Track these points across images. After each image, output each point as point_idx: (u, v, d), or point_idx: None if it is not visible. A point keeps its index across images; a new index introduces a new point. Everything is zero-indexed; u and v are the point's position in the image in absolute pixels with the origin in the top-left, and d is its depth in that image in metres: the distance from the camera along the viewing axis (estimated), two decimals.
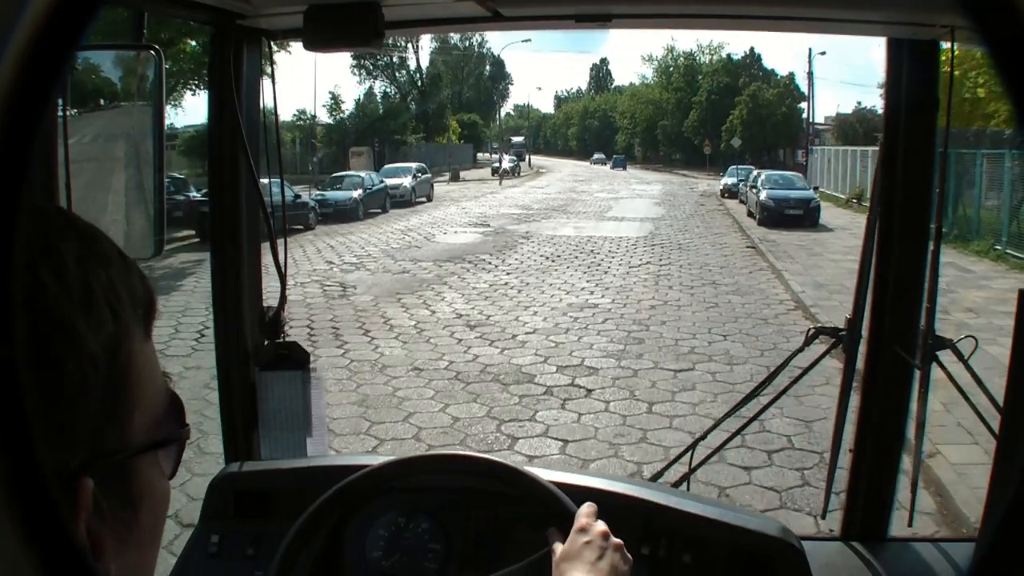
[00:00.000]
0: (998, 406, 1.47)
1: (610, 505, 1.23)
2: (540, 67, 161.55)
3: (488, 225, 22.09)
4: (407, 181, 28.53)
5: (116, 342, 0.53)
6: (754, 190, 24.01)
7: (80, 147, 1.42)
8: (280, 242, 1.71)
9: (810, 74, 44.22)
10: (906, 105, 1.62)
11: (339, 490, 1.26)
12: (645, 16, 1.66)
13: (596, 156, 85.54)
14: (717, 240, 19.28)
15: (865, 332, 1.74)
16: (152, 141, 1.51)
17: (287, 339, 1.76)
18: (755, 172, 29.51)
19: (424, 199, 30.82)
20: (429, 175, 31.79)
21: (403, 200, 27.32)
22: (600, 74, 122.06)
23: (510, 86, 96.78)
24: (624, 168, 69.64)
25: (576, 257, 16.15)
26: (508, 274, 13.88)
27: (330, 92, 55.91)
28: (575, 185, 43.54)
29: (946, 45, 1.58)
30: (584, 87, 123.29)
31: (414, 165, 31.00)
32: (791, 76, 58.72)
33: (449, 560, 1.35)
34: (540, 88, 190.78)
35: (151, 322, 0.59)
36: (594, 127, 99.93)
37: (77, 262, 0.50)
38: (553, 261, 15.54)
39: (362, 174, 26.24)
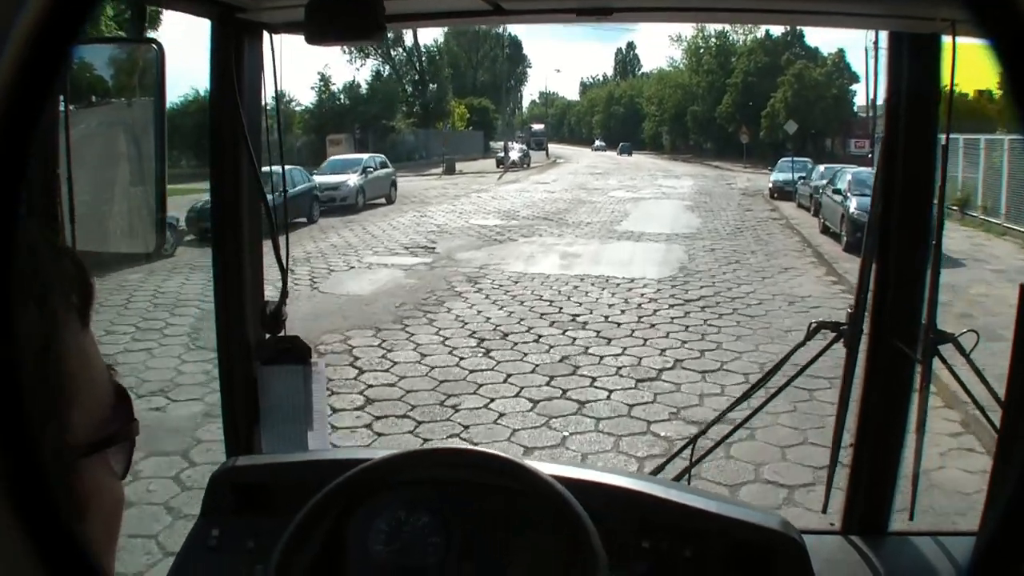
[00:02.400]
0: (999, 400, 1.57)
1: (611, 499, 1.37)
2: (564, 51, 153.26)
3: (434, 248, 16.34)
4: (352, 179, 21.24)
5: (43, 335, 0.50)
6: (835, 196, 18.10)
7: (81, 142, 1.48)
8: (281, 236, 1.83)
9: (876, 45, 35.53)
10: (907, 99, 1.71)
11: (341, 483, 1.32)
12: (645, 9, 1.75)
13: (597, 143, 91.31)
14: (792, 287, 12.65)
15: (867, 326, 1.83)
16: (153, 135, 1.56)
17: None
18: (822, 168, 24.39)
19: (383, 200, 25.97)
20: (390, 170, 28.10)
21: (345, 204, 19.52)
22: (627, 59, 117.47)
23: (528, 69, 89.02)
24: (630, 154, 74.30)
25: (539, 338, 9.27)
26: (361, 416, 6.88)
27: (319, 72, 47.62)
28: (588, 180, 36.12)
29: (947, 39, 1.63)
30: (611, 73, 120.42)
31: (366, 157, 24.65)
32: (840, 53, 50.56)
33: (449, 553, 1.40)
34: (559, 71, 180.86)
35: (88, 309, 0.57)
36: (619, 114, 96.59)
37: None
38: (486, 354, 8.64)
39: (277, 170, 16.95)
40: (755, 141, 54.38)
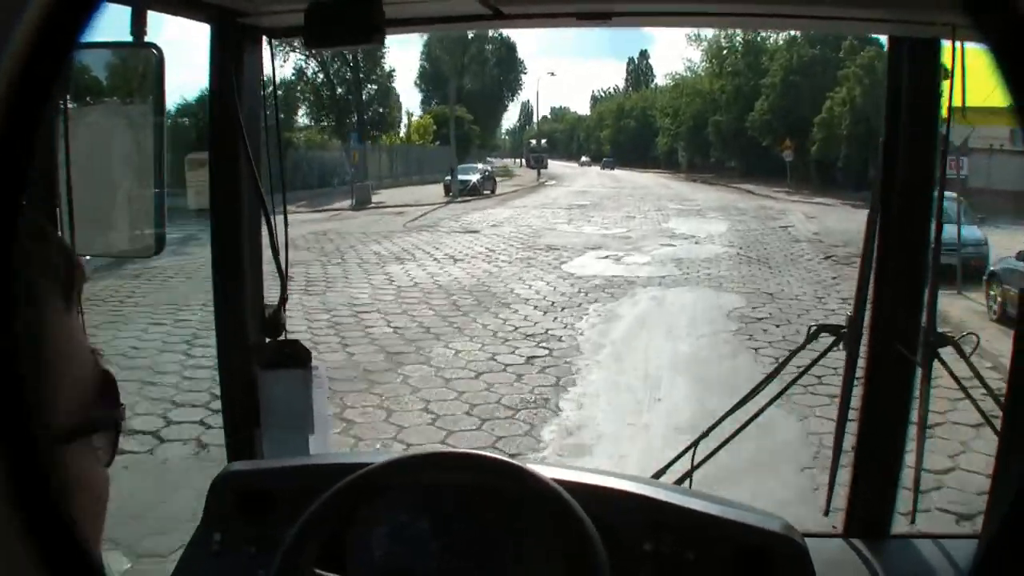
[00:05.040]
0: (1000, 403, 1.59)
1: (613, 503, 1.38)
2: (577, 66, 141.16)
3: None
4: None
5: (27, 315, 0.49)
6: None
7: (80, 145, 1.49)
8: (281, 240, 1.83)
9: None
10: (907, 103, 1.73)
11: (342, 488, 1.28)
12: (646, 14, 1.75)
13: (583, 159, 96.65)
14: None
15: (867, 329, 1.84)
16: (153, 139, 1.58)
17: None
18: None
19: None
20: None
21: None
22: (639, 69, 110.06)
23: (523, 75, 76.19)
24: (612, 168, 76.29)
25: None
26: None
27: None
28: (554, 224, 25.24)
29: (947, 43, 1.65)
30: (623, 85, 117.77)
31: None
32: None
33: (451, 557, 1.38)
34: (553, 73, 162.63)
35: (72, 291, 0.56)
36: (630, 128, 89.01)
37: None
38: None
39: None
40: (802, 158, 42.17)
